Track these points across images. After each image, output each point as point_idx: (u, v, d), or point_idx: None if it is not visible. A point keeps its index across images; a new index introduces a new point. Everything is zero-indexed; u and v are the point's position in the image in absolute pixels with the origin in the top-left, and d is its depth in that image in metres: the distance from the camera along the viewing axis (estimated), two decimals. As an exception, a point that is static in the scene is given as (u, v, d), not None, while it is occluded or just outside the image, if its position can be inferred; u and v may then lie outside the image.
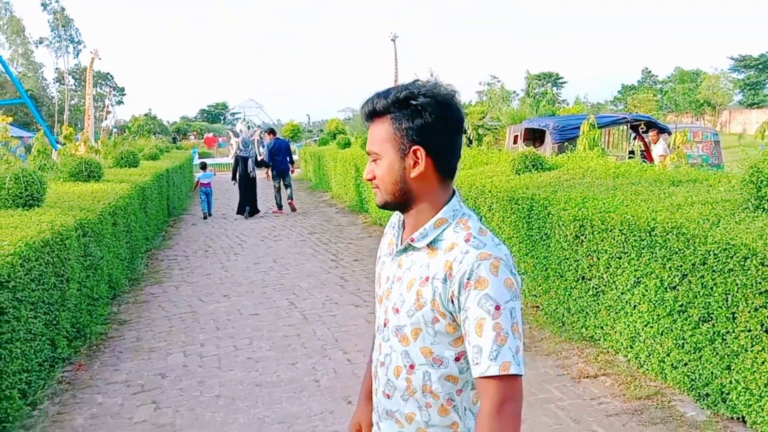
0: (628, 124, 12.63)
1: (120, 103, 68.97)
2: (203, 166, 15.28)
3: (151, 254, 9.67)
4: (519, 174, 7.27)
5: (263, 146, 14.24)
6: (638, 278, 4.43)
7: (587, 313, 5.10)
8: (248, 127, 27.65)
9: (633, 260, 4.45)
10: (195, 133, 58.56)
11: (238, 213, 13.89)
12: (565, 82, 78.42)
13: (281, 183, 14.03)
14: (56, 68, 60.84)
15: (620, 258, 4.59)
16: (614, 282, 4.69)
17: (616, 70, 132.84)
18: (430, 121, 1.47)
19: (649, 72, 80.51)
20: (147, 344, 5.57)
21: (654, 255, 4.24)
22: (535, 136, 12.82)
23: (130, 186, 9.00)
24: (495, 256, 1.43)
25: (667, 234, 4.12)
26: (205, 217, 13.90)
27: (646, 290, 4.34)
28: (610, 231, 4.65)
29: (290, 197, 14.13)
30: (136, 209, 8.94)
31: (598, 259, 4.84)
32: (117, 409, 4.30)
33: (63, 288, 5.14)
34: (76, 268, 5.55)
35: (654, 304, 4.29)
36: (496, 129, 19.68)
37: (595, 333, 5.03)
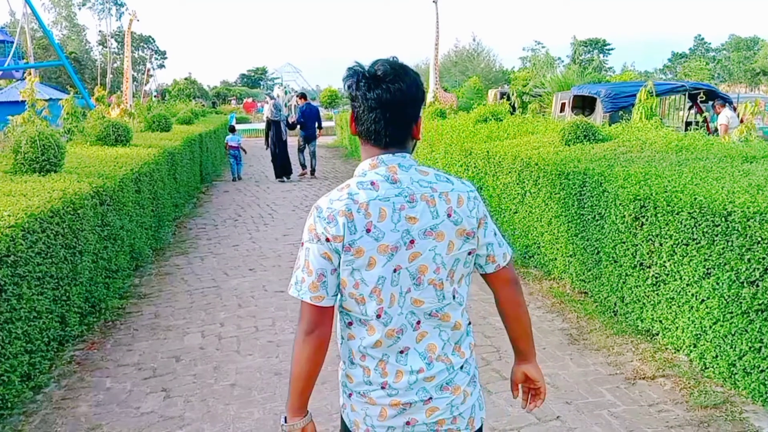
0: (687, 93, 11.75)
1: (161, 66, 69.36)
2: (232, 129, 15.77)
3: (179, 222, 9.39)
4: (569, 145, 6.67)
5: (299, 111, 14.23)
6: (708, 269, 3.86)
7: (644, 303, 4.56)
8: (285, 92, 27.28)
9: (703, 248, 3.88)
10: (235, 98, 58.49)
11: (276, 178, 13.99)
12: (612, 49, 75.85)
13: (306, 147, 14.27)
14: (99, 31, 61.25)
15: (687, 245, 4.02)
16: (678, 271, 4.13)
17: (666, 37, 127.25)
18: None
19: (702, 39, 77.17)
20: (165, 321, 5.24)
21: (730, 244, 3.67)
22: (584, 104, 12.05)
23: (158, 151, 8.69)
24: (315, 205, 1.72)
25: (748, 220, 3.54)
26: (233, 179, 14.32)
27: (718, 283, 3.78)
28: (677, 213, 4.07)
29: (313, 166, 14.48)
30: (163, 175, 8.62)
31: (661, 244, 4.28)
32: (125, 396, 3.97)
33: (75, 261, 4.82)
34: (91, 239, 5.23)
35: (726, 300, 3.73)
36: (541, 96, 18.83)
37: (653, 326, 4.50)
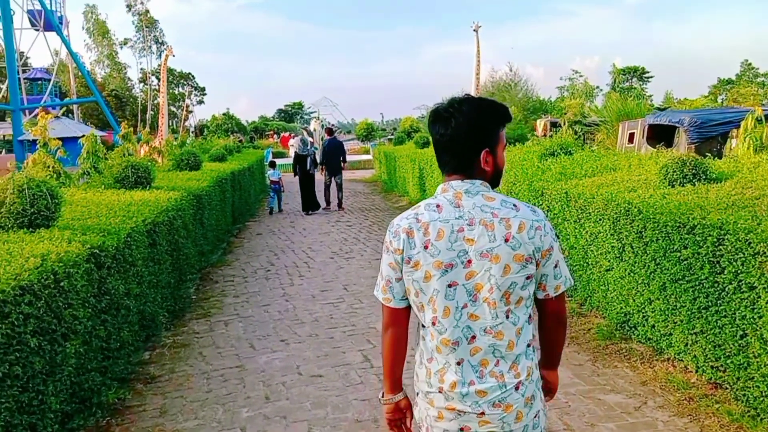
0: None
1: (201, 103, 69.70)
2: (272, 165, 16.04)
3: (205, 273, 8.31)
4: (674, 186, 5.38)
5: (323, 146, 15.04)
6: None
7: (832, 417, 3.22)
8: (322, 126, 26.55)
9: None
10: (272, 132, 58.34)
11: (303, 210, 14.39)
12: (651, 77, 73.82)
13: (332, 181, 14.59)
14: (140, 69, 62.00)
15: None
16: None
17: (705, 64, 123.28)
18: None
19: (749, 64, 74.60)
20: (171, 423, 4.07)
21: None
22: (660, 134, 10.65)
23: (181, 194, 7.66)
24: (391, 222, 1.97)
25: None
26: (270, 213, 14.57)
27: None
28: None
29: (339, 198, 14.70)
30: (187, 222, 7.58)
31: None
32: None
33: (54, 350, 3.71)
34: (82, 316, 4.12)
35: None
36: (598, 126, 17.46)
37: None
